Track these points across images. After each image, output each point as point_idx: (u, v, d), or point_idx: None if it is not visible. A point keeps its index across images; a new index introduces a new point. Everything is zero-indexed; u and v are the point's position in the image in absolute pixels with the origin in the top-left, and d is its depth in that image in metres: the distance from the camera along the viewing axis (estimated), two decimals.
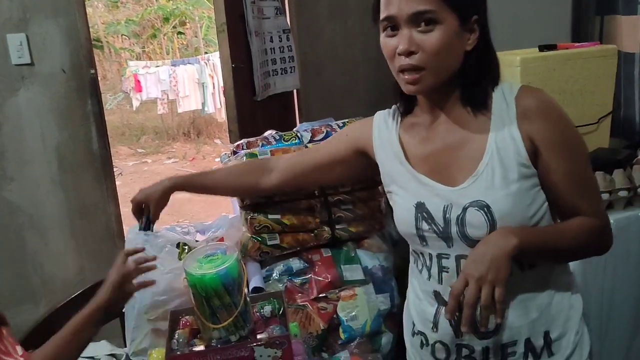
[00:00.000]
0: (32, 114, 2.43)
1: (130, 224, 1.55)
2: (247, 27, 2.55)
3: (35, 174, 2.48)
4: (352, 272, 1.53)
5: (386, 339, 1.53)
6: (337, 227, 1.57)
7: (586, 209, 1.06)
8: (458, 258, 1.07)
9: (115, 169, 2.71)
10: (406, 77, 1.02)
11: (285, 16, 2.83)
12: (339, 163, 1.30)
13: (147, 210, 1.36)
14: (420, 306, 1.17)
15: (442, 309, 1.10)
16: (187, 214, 5.58)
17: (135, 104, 8.14)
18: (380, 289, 1.56)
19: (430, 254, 1.11)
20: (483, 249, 0.98)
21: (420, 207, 1.09)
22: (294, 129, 1.73)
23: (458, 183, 1.06)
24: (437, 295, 1.12)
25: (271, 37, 2.69)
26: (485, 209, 1.02)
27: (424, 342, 1.16)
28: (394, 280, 1.62)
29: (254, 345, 1.19)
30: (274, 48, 2.71)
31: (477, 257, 0.98)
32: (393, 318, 1.57)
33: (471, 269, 0.96)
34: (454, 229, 1.05)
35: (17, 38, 2.32)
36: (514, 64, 1.89)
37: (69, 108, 2.46)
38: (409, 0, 0.98)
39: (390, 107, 1.22)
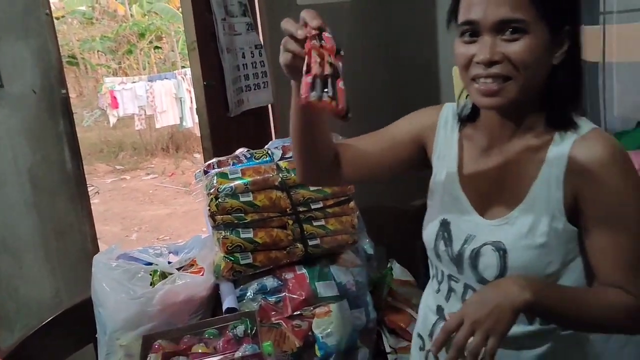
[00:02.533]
0: (3, 136, 2.39)
1: (108, 242, 1.54)
2: (219, 44, 2.56)
3: (8, 196, 2.44)
4: (326, 289, 1.54)
5: (362, 354, 1.54)
6: (309, 243, 1.58)
7: (627, 285, 0.92)
8: (466, 286, 1.02)
9: (92, 188, 2.69)
10: (482, 87, 0.88)
11: (257, 32, 2.84)
12: (394, 151, 1.09)
13: None
14: (426, 310, 1.13)
15: (439, 325, 1.05)
16: (166, 230, 5.54)
17: (113, 120, 8.07)
18: (355, 304, 1.56)
19: (442, 271, 1.07)
20: (490, 292, 0.88)
21: (444, 226, 1.03)
22: (265, 147, 1.73)
23: (492, 217, 0.98)
24: (439, 309, 1.08)
25: (243, 53, 2.69)
26: (502, 252, 0.94)
27: (422, 346, 1.13)
28: (369, 294, 1.63)
29: None
30: (246, 64, 2.72)
31: (481, 299, 0.87)
32: (369, 333, 1.58)
33: (470, 310, 0.86)
34: (466, 261, 0.99)
35: None
36: None
37: (41, 129, 2.43)
38: (499, 5, 0.85)
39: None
